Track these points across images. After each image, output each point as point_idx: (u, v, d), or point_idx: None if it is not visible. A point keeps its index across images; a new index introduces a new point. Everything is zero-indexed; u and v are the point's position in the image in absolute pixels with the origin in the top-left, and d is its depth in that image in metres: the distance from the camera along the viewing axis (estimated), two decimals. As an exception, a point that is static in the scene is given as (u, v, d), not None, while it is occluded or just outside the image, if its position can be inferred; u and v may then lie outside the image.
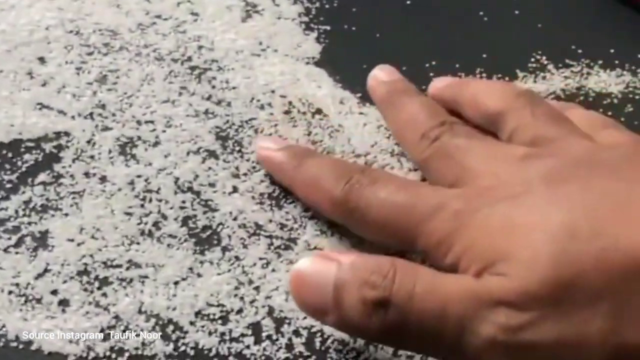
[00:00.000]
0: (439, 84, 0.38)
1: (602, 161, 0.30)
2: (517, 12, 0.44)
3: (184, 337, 0.31)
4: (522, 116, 0.34)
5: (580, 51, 0.42)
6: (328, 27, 0.43)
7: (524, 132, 0.33)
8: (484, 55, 0.42)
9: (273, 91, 0.39)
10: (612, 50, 0.42)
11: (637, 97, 0.40)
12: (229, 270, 0.33)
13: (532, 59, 0.42)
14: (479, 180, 0.31)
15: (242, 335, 0.31)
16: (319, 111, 0.39)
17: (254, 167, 0.36)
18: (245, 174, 0.36)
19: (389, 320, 0.28)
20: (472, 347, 0.27)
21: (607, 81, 0.41)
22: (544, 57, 0.42)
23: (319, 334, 0.31)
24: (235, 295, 0.32)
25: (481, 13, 0.44)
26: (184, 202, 0.35)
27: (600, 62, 0.42)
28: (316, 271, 0.29)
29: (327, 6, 0.44)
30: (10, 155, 0.36)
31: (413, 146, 0.35)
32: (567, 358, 0.27)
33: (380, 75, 0.39)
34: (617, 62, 0.42)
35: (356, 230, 0.33)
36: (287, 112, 0.39)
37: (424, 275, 0.29)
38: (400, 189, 0.31)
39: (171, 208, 0.35)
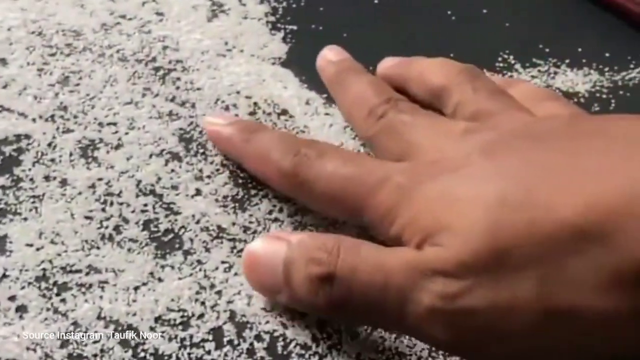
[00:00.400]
0: (387, 64, 0.39)
1: (538, 133, 0.31)
2: (485, 11, 0.44)
3: (143, 343, 0.30)
4: (464, 91, 0.35)
5: (547, 50, 0.42)
6: (295, 27, 0.42)
7: (466, 106, 0.34)
8: (452, 55, 0.41)
9: (238, 92, 0.39)
10: (579, 49, 0.42)
11: (603, 96, 0.40)
12: (191, 275, 0.32)
13: (500, 58, 0.42)
14: (424, 155, 0.32)
15: (203, 340, 0.31)
16: (284, 112, 0.39)
17: (217, 170, 0.36)
18: (208, 177, 0.36)
19: (335, 295, 0.29)
20: (413, 316, 0.29)
21: (574, 80, 0.41)
22: (512, 57, 0.42)
23: (281, 339, 0.31)
24: (197, 300, 0.32)
25: (449, 12, 0.44)
26: (145, 205, 0.34)
27: (567, 61, 0.42)
28: (267, 251, 0.31)
29: (294, 5, 0.43)
30: (-31, 158, 0.35)
31: (360, 123, 0.36)
32: (502, 322, 0.28)
33: (329, 55, 0.40)
34: (584, 60, 0.42)
35: (305, 203, 0.34)
36: (252, 113, 0.38)
37: (367, 250, 0.30)
38: (347, 162, 0.32)
39: (132, 212, 0.34)
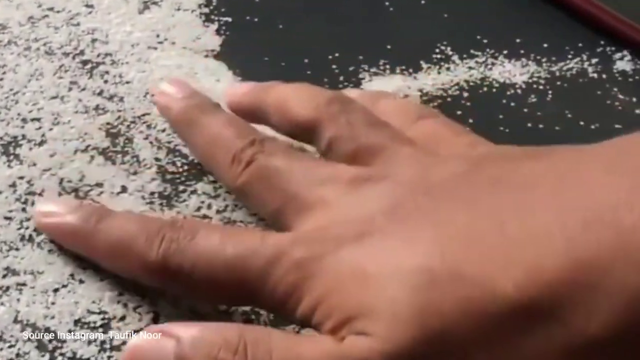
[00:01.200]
0: (238, 91, 0.35)
1: (441, 185, 0.28)
2: (423, 1, 0.43)
3: (61, 347, 0.29)
4: (338, 125, 0.31)
5: (485, 41, 0.42)
6: (229, 19, 0.41)
7: (342, 143, 0.31)
8: (388, 47, 0.41)
9: (169, 85, 0.38)
10: (517, 40, 0.42)
11: (540, 87, 0.40)
12: (114, 275, 0.31)
13: (437, 50, 0.41)
14: (308, 213, 0.29)
15: (124, 343, 0.30)
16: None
17: (145, 165, 0.35)
18: (135, 173, 0.35)
19: None
20: None
21: (512, 71, 0.40)
22: (449, 48, 0.41)
23: (205, 340, 0.30)
24: (119, 302, 0.31)
25: (387, 3, 0.43)
26: (68, 203, 0.33)
27: (505, 52, 0.41)
28: (152, 349, 0.27)
29: (228, -4, 0.42)
30: None
31: (224, 172, 0.32)
32: None
33: (172, 91, 0.34)
34: (522, 51, 0.41)
35: (183, 294, 0.30)
36: (182, 108, 0.37)
37: (279, 344, 0.26)
38: (226, 241, 0.28)
39: (54, 210, 0.33)
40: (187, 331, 0.27)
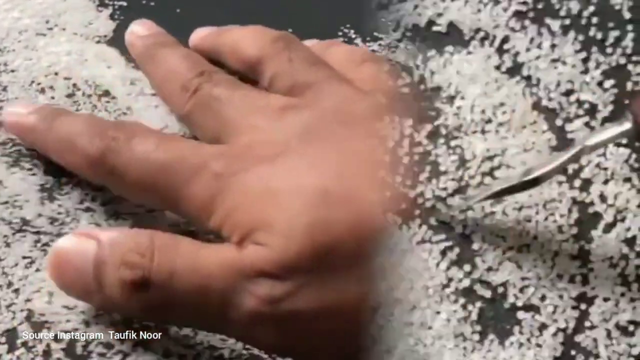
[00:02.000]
0: (199, 34, 0.37)
1: (354, 114, 0.30)
2: (326, -17, 0.42)
3: None
4: (280, 62, 0.33)
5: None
6: (124, 3, 0.40)
7: (282, 79, 0.32)
8: (290, 30, 0.40)
9: (57, 73, 0.36)
10: (422, 22, 0.41)
11: (444, 70, 0.39)
12: (-13, 273, 0.30)
13: (340, 33, 0.40)
14: (240, 136, 0.30)
15: (-7, 344, 0.28)
16: (106, 93, 0.36)
17: (25, 156, 0.33)
18: (15, 164, 0.33)
19: (151, 301, 0.27)
20: (237, 320, 0.27)
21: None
22: (352, 31, 0.40)
23: (83, 339, 0.29)
24: (-10, 300, 0.29)
25: (289, -15, 0.42)
26: (-60, 198, 0.32)
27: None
28: (75, 250, 0.29)
29: (124, -20, 0.41)
30: None
31: (174, 99, 0.33)
32: (330, 324, 0.27)
33: (138, 30, 0.36)
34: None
35: (118, 192, 0.31)
36: (70, 95, 0.36)
37: (185, 250, 0.28)
38: (160, 146, 0.30)
39: None
40: (106, 234, 0.29)
